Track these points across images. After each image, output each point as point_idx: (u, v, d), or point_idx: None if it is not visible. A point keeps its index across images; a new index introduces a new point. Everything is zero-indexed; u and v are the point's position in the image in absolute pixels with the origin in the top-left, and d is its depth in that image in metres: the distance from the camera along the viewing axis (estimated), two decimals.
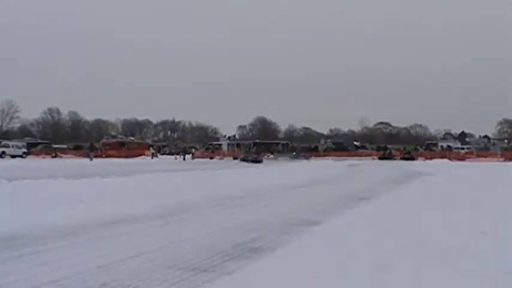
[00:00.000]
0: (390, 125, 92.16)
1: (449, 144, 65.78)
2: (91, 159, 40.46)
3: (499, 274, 3.91)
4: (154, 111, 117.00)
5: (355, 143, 72.54)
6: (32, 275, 4.04)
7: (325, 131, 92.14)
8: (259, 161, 40.41)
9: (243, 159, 42.54)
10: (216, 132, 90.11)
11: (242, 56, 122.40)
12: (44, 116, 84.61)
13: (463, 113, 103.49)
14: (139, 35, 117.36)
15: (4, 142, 52.63)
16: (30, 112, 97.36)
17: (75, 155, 53.73)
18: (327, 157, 50.88)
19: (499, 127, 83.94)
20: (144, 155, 51.97)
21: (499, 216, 7.04)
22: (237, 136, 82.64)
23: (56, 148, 58.10)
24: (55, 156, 50.74)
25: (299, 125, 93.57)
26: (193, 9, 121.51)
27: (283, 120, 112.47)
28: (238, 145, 66.49)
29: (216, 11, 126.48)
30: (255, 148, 61.34)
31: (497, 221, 6.55)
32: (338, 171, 24.13)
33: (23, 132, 78.26)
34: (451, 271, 3.93)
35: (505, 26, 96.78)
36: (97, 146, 52.07)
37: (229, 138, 75.04)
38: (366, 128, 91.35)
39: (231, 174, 18.28)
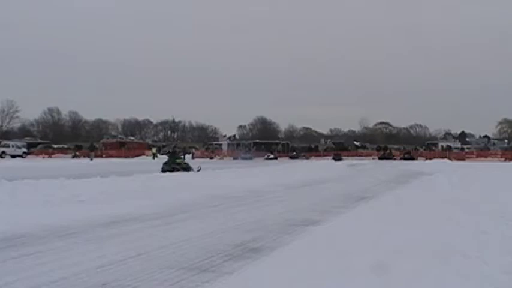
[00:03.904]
0: (390, 125, 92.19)
1: (450, 144, 65.84)
2: (91, 159, 40.48)
3: (499, 274, 3.91)
4: (154, 111, 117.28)
5: (355, 143, 72.58)
6: (32, 275, 4.04)
7: (325, 131, 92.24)
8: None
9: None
10: (216, 132, 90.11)
11: (242, 56, 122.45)
12: (44, 116, 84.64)
13: (463, 113, 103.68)
14: (140, 35, 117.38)
15: (4, 142, 52.67)
16: (30, 112, 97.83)
17: None
18: (327, 157, 50.88)
19: (499, 127, 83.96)
20: (144, 155, 51.84)
21: (500, 216, 7.03)
22: (237, 136, 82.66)
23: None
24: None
25: (299, 125, 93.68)
26: (193, 10, 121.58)
27: (283, 120, 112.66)
28: (238, 145, 66.49)
29: (216, 11, 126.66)
30: (254, 148, 61.35)
31: (497, 221, 6.55)
32: (338, 171, 24.12)
33: (23, 132, 78.19)
34: (450, 271, 3.93)
35: (505, 25, 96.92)
36: (97, 146, 51.96)
37: (229, 138, 75.05)
38: (366, 128, 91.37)
39: (231, 174, 18.27)
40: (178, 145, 64.19)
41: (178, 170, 18.78)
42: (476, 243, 5.03)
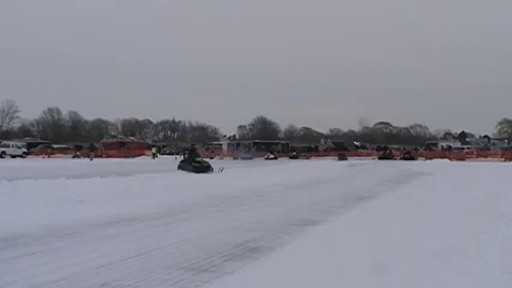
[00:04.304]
0: (390, 125, 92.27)
1: (450, 144, 65.87)
2: (91, 159, 40.45)
3: (499, 274, 3.91)
4: (154, 111, 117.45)
5: (355, 143, 72.64)
6: (32, 275, 4.04)
7: (325, 131, 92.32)
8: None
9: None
10: (216, 132, 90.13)
11: (242, 56, 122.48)
12: (44, 116, 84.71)
13: (463, 113, 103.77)
14: (140, 35, 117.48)
15: (4, 142, 52.60)
16: (30, 112, 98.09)
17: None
18: (327, 157, 50.94)
19: (499, 127, 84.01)
20: (144, 155, 51.72)
21: (499, 216, 7.03)
22: (237, 136, 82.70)
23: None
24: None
25: (299, 125, 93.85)
26: (194, 10, 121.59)
27: (283, 120, 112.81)
28: (238, 145, 66.49)
29: (216, 11, 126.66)
30: (254, 148, 61.34)
31: (497, 221, 6.55)
32: (338, 171, 24.11)
33: (23, 132, 78.19)
34: (451, 271, 3.92)
35: (505, 25, 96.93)
36: (97, 146, 51.83)
37: (229, 138, 75.07)
38: (366, 128, 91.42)
39: (231, 174, 18.25)
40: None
41: (199, 168, 17.89)
42: (476, 243, 5.03)
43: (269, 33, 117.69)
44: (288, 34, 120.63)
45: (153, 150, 51.34)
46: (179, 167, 18.86)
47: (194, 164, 18.45)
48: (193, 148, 22.01)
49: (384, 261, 4.10)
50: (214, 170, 18.31)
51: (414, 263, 4.18)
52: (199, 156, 19.94)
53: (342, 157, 49.20)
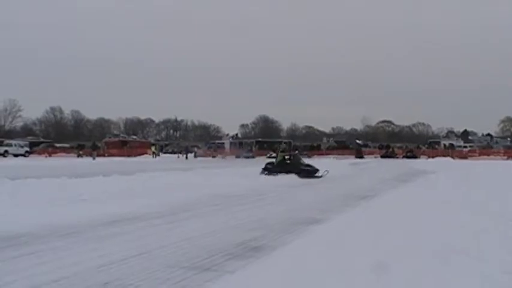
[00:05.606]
0: (393, 123, 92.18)
1: (452, 142, 65.65)
2: (94, 158, 40.53)
3: (499, 274, 3.91)
4: (156, 110, 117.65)
5: (358, 141, 72.43)
6: (33, 274, 4.06)
7: (328, 130, 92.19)
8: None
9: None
10: (218, 131, 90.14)
11: (244, 55, 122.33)
12: (46, 115, 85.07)
13: (466, 111, 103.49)
14: (140, 35, 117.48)
15: (7, 141, 52.77)
16: (32, 111, 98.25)
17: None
18: (329, 155, 50.87)
19: (501, 125, 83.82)
20: (146, 154, 51.66)
21: (500, 215, 7.03)
22: (239, 135, 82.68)
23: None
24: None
25: (301, 123, 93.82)
26: (194, 10, 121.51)
27: (286, 118, 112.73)
28: (240, 144, 66.45)
29: (216, 11, 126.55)
30: (257, 147, 61.32)
31: (497, 221, 6.54)
32: (340, 169, 24.03)
33: (26, 131, 78.43)
34: (451, 271, 3.93)
35: (505, 25, 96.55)
36: (99, 145, 51.83)
37: (231, 137, 75.04)
38: (368, 126, 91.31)
39: (232, 173, 18.25)
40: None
41: (309, 173, 16.44)
42: (476, 243, 5.03)
43: (269, 33, 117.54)
44: (288, 34, 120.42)
45: (153, 148, 50.09)
46: (266, 170, 16.71)
47: (303, 167, 16.78)
48: (285, 148, 19.60)
49: (384, 261, 4.11)
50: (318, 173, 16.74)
51: (414, 263, 4.19)
52: (300, 158, 18.17)
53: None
